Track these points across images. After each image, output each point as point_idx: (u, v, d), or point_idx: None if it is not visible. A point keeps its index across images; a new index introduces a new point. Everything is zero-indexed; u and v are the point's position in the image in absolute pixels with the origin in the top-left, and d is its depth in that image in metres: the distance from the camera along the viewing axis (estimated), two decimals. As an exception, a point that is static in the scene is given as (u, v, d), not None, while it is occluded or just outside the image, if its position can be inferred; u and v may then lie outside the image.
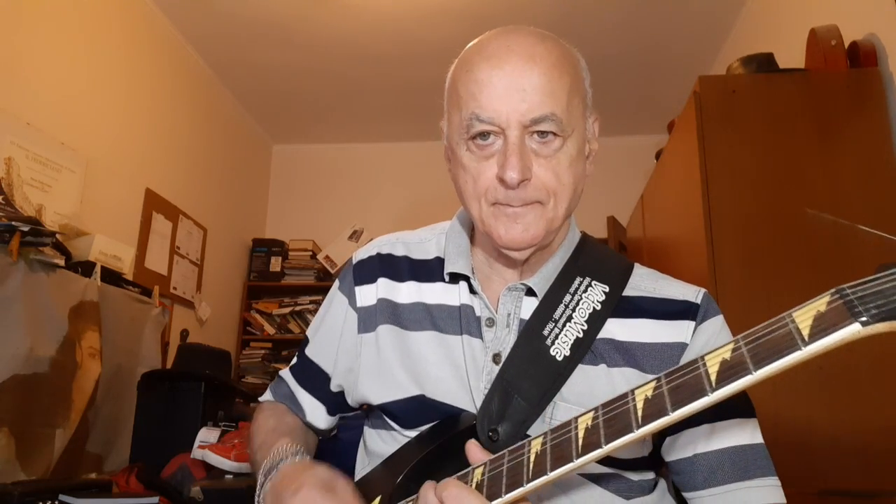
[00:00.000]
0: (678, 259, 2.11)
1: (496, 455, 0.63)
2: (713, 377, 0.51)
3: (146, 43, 3.13)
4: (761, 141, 1.79)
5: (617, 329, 0.80)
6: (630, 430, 0.53)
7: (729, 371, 0.50)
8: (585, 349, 0.77)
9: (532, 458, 0.59)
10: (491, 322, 0.82)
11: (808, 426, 1.57)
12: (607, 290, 0.81)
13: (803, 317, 0.49)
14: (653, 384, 0.55)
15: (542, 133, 0.73)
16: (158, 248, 3.17)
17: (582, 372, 0.77)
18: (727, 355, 0.51)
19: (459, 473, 0.65)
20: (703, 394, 0.51)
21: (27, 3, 2.37)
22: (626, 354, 0.79)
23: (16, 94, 2.29)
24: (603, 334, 0.79)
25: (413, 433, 0.81)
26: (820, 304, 0.48)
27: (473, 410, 0.78)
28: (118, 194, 2.89)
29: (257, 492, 0.76)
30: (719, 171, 1.79)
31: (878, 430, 1.53)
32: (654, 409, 0.53)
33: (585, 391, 0.76)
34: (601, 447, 0.54)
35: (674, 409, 0.52)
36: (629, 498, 0.76)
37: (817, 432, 1.56)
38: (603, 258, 0.87)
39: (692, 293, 0.83)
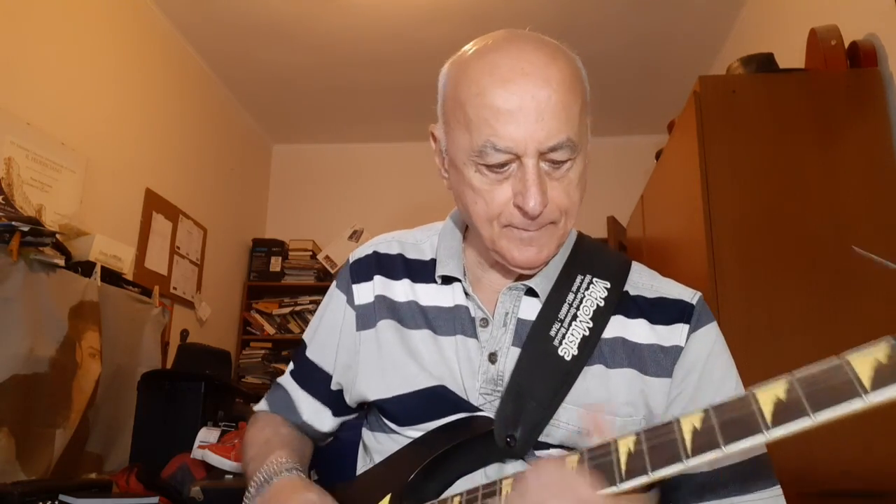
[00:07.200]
0: (678, 259, 2.11)
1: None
2: (768, 417, 0.50)
3: (146, 43, 3.13)
4: (761, 141, 1.79)
5: (620, 327, 0.80)
6: (678, 461, 0.53)
7: (785, 413, 0.50)
8: (592, 347, 0.77)
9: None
10: (485, 322, 0.82)
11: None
12: (609, 286, 0.81)
13: (862, 365, 0.48)
14: (700, 415, 0.54)
15: (557, 159, 0.72)
16: (158, 248, 3.17)
17: (581, 372, 0.77)
18: (781, 395, 0.51)
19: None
20: (757, 431, 0.50)
21: (27, 3, 2.37)
22: (630, 353, 0.78)
23: (16, 94, 2.29)
24: (608, 332, 0.79)
25: (412, 432, 0.80)
26: (879, 352, 0.48)
27: (470, 411, 0.77)
28: (118, 194, 2.89)
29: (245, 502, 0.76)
30: (719, 171, 1.79)
31: (879, 430, 1.53)
32: (705, 441, 0.52)
33: (582, 392, 0.76)
34: (647, 474, 0.54)
35: (727, 444, 0.51)
36: None
37: (818, 432, 1.55)
38: (601, 255, 0.86)
39: (688, 294, 0.83)
